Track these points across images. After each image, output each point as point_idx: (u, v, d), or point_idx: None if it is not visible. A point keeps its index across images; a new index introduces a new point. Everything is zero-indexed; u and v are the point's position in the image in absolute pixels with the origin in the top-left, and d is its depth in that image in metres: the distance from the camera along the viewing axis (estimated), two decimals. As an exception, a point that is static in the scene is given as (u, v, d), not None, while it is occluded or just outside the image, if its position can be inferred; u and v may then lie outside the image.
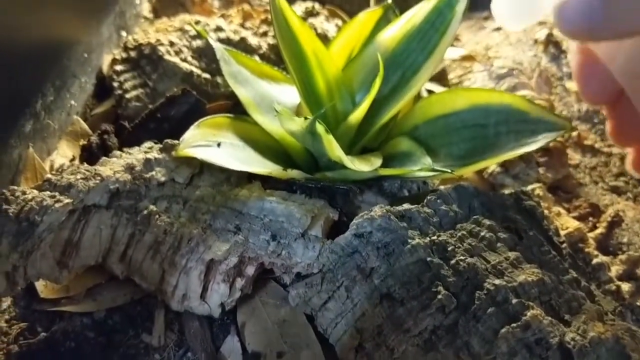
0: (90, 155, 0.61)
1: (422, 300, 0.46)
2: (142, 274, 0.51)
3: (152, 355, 0.51)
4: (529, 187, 0.64)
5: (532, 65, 0.85)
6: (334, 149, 0.51)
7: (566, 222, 0.61)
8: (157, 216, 0.51)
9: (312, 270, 0.51)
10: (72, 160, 0.63)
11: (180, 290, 0.50)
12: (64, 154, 0.62)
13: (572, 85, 0.83)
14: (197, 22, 0.77)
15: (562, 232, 0.57)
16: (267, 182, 0.58)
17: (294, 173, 0.57)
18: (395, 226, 0.48)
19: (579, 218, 0.63)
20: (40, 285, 0.53)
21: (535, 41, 0.90)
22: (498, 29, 0.96)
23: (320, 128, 0.48)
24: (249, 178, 0.59)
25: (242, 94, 0.62)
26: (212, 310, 0.51)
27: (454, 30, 0.59)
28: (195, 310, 0.51)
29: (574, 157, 0.75)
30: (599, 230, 0.63)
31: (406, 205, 0.50)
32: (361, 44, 0.70)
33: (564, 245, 0.54)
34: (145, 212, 0.51)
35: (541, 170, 0.66)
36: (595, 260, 0.54)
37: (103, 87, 0.74)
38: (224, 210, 0.53)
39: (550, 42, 0.89)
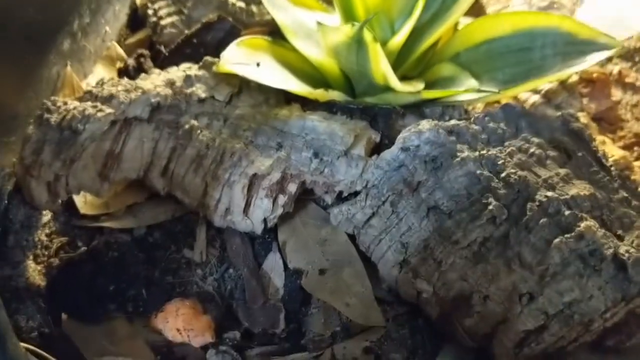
0: (126, 77, 0.60)
1: (471, 212, 0.45)
2: (185, 188, 0.51)
3: (194, 270, 0.50)
4: (573, 115, 0.63)
5: (571, 3, 0.83)
6: (379, 63, 0.50)
7: (611, 151, 0.59)
8: (198, 131, 0.51)
9: (355, 188, 0.50)
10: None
11: (223, 204, 0.50)
12: (101, 76, 0.61)
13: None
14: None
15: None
16: (305, 105, 0.57)
17: (334, 94, 0.56)
18: (444, 140, 0.47)
19: (624, 148, 0.61)
20: (79, 201, 0.53)
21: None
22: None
23: (367, 35, 0.47)
24: (286, 100, 0.58)
25: (280, 19, 0.61)
26: (255, 226, 0.50)
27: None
28: (237, 225, 0.51)
29: (615, 94, 0.73)
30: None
31: (454, 121, 0.49)
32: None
33: (613, 168, 0.52)
34: (187, 126, 0.50)
35: (584, 101, 0.65)
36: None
37: (136, 18, 0.73)
38: (265, 127, 0.52)
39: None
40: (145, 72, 0.62)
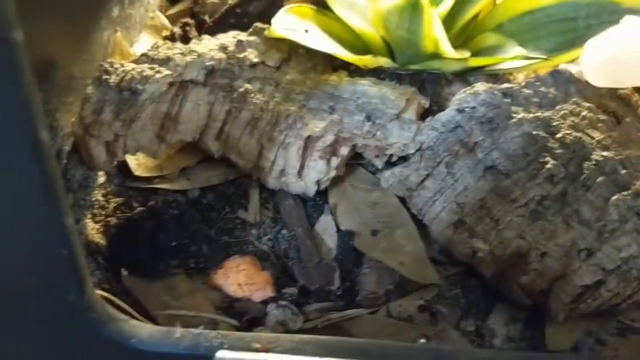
0: (174, 45, 0.61)
1: (529, 171, 0.46)
2: (239, 150, 0.51)
3: (248, 230, 0.51)
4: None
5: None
6: (432, 27, 0.51)
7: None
8: (252, 94, 0.51)
9: (408, 151, 0.50)
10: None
11: (278, 165, 0.50)
12: (147, 44, 0.62)
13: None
14: None
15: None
16: (351, 72, 0.58)
17: (382, 61, 0.56)
18: (499, 101, 0.48)
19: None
20: (133, 163, 0.53)
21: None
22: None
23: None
24: (332, 68, 0.59)
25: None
26: (308, 188, 0.51)
27: None
28: (291, 187, 0.51)
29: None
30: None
31: (507, 85, 0.50)
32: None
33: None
34: (241, 89, 0.51)
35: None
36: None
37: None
38: (316, 92, 0.53)
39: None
40: (190, 40, 0.62)
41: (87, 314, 0.36)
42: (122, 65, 0.49)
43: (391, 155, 0.52)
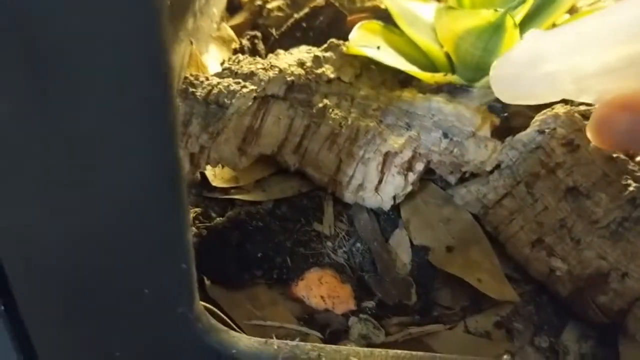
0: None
1: (610, 192, 0.46)
2: (317, 164, 0.52)
3: (324, 242, 0.52)
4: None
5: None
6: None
7: None
8: (331, 109, 0.52)
9: (485, 168, 0.51)
10: (222, 63, 0.63)
11: (356, 180, 0.51)
12: (215, 56, 0.63)
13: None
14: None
15: None
16: (419, 88, 0.59)
17: (453, 78, 0.57)
18: (579, 124, 0.48)
19: None
20: (210, 174, 0.54)
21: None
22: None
23: (510, 20, 0.49)
24: (400, 83, 0.60)
25: (390, 5, 0.62)
26: (384, 202, 0.52)
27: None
28: (367, 201, 0.52)
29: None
30: None
31: (584, 106, 0.50)
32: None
33: None
34: (320, 105, 0.52)
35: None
36: None
37: (231, 1, 0.75)
38: (392, 108, 0.54)
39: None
40: (259, 53, 0.63)
41: (194, 325, 0.37)
42: (207, 79, 0.50)
43: (464, 172, 0.53)
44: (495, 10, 0.49)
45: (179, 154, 0.31)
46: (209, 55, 0.64)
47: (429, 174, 0.55)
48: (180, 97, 0.49)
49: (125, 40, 0.25)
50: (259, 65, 0.52)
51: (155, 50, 0.26)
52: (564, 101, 0.56)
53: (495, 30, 0.51)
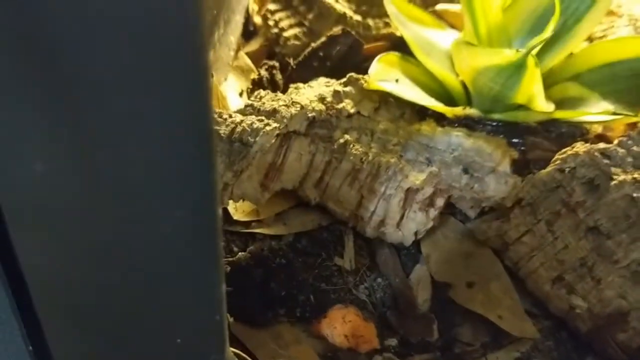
0: (260, 88, 0.62)
1: (630, 233, 0.47)
2: (338, 199, 0.53)
3: (345, 278, 0.52)
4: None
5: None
6: (532, 86, 0.52)
7: None
8: (352, 145, 0.53)
9: (506, 204, 0.52)
10: (241, 94, 0.64)
11: (377, 216, 0.52)
12: (233, 86, 0.63)
13: None
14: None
15: None
16: (437, 120, 0.59)
17: (471, 111, 0.58)
18: (599, 163, 0.49)
19: None
20: (231, 207, 0.55)
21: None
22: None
23: (531, 60, 0.49)
24: (418, 115, 0.60)
25: (407, 35, 0.63)
26: (405, 238, 0.52)
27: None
28: (388, 237, 0.53)
29: None
30: None
31: (603, 145, 0.51)
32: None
33: None
34: (341, 140, 0.52)
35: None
36: None
37: (246, 28, 0.75)
38: (411, 142, 0.54)
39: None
40: (277, 84, 0.64)
41: (225, 371, 0.38)
42: (231, 116, 0.51)
43: (484, 207, 0.53)
44: (517, 51, 0.49)
45: (219, 210, 0.31)
46: (227, 85, 0.64)
47: (448, 208, 0.56)
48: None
49: (172, 97, 0.25)
50: (281, 102, 0.52)
51: (200, 109, 0.26)
52: (584, 139, 0.56)
53: (517, 69, 0.51)
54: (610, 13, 0.81)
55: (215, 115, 0.51)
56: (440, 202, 0.53)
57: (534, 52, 0.57)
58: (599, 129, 0.64)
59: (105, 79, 0.24)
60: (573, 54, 0.66)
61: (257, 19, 0.74)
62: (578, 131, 0.62)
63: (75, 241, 0.31)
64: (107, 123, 0.25)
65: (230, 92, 0.63)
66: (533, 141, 0.60)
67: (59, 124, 0.25)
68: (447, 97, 0.63)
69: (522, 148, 0.58)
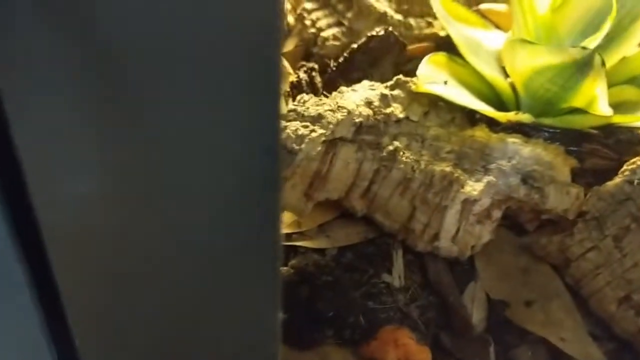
0: (299, 92, 0.59)
1: None
2: (387, 211, 0.49)
3: (395, 296, 0.49)
4: None
5: None
6: (595, 86, 0.48)
7: None
8: (402, 152, 0.49)
9: (568, 217, 0.48)
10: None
11: (432, 229, 0.48)
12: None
13: None
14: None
15: None
16: (489, 125, 0.56)
17: (524, 117, 0.54)
18: (672, 173, 0.45)
19: None
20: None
21: None
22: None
23: (598, 59, 0.46)
24: (469, 119, 0.57)
25: (454, 35, 0.59)
26: (461, 252, 0.49)
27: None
28: (442, 251, 0.49)
29: None
30: None
31: (676, 153, 0.47)
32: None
33: None
34: (391, 147, 0.49)
35: None
36: None
37: (281, 27, 0.72)
38: (466, 150, 0.51)
39: None
40: (317, 87, 0.60)
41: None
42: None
43: (544, 220, 0.50)
44: (583, 48, 0.46)
45: (279, 237, 0.28)
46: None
47: (504, 219, 0.52)
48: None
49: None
50: (326, 107, 0.49)
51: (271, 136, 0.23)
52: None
53: (581, 68, 0.47)
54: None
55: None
56: (497, 213, 0.49)
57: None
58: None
59: (166, 90, 0.21)
60: (628, 56, 0.62)
61: (291, 19, 0.71)
62: (636, 137, 0.58)
63: (120, 269, 0.28)
64: (163, 136, 0.22)
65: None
66: (591, 148, 0.56)
67: (113, 139, 0.22)
68: (496, 101, 0.60)
69: (580, 156, 0.54)
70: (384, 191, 0.49)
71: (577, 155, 0.54)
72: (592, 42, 0.54)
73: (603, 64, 0.46)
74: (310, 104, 0.50)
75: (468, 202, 0.48)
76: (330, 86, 0.60)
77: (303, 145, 0.46)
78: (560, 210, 0.48)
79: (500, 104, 0.60)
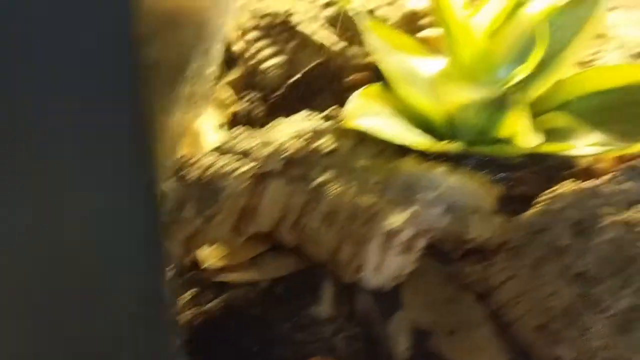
0: (241, 121, 0.60)
1: (619, 279, 0.45)
2: (317, 242, 0.50)
3: (324, 327, 0.50)
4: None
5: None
6: (517, 122, 0.50)
7: None
8: (330, 185, 0.50)
9: (491, 246, 0.49)
10: (222, 126, 0.62)
11: (357, 260, 0.49)
12: (211, 120, 0.61)
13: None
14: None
15: None
16: (422, 155, 0.57)
17: (454, 146, 0.56)
18: (587, 203, 0.47)
19: None
20: (201, 254, 0.52)
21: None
22: (612, 8, 0.92)
23: (515, 97, 0.47)
24: (402, 150, 0.58)
25: (384, 65, 0.61)
26: (385, 283, 0.50)
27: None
28: (367, 282, 0.50)
29: None
30: None
31: (591, 182, 0.49)
32: (504, 17, 0.68)
33: None
34: (320, 179, 0.50)
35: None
36: None
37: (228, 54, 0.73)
38: (392, 180, 0.52)
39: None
40: (257, 117, 0.62)
41: None
42: (201, 159, 0.48)
43: (467, 250, 0.51)
44: (500, 86, 0.47)
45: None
46: (204, 120, 0.62)
47: (429, 249, 0.53)
48: (175, 180, 0.48)
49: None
50: (257, 140, 0.50)
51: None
52: (573, 173, 0.54)
53: (498, 106, 0.49)
54: (599, 36, 0.79)
55: (186, 159, 0.49)
56: (421, 243, 0.50)
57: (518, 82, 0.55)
58: (588, 161, 0.62)
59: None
60: (561, 80, 0.64)
61: (238, 47, 0.72)
62: (566, 163, 0.60)
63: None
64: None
65: (208, 127, 0.61)
66: (518, 176, 0.58)
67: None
68: (431, 130, 0.61)
69: (508, 183, 0.56)
70: (313, 223, 0.50)
71: (506, 183, 0.56)
72: (523, 71, 0.56)
73: (521, 100, 0.48)
74: (243, 137, 0.51)
75: (391, 233, 0.49)
76: (271, 116, 0.61)
77: (229, 182, 0.47)
78: (483, 239, 0.50)
79: (435, 133, 0.61)
